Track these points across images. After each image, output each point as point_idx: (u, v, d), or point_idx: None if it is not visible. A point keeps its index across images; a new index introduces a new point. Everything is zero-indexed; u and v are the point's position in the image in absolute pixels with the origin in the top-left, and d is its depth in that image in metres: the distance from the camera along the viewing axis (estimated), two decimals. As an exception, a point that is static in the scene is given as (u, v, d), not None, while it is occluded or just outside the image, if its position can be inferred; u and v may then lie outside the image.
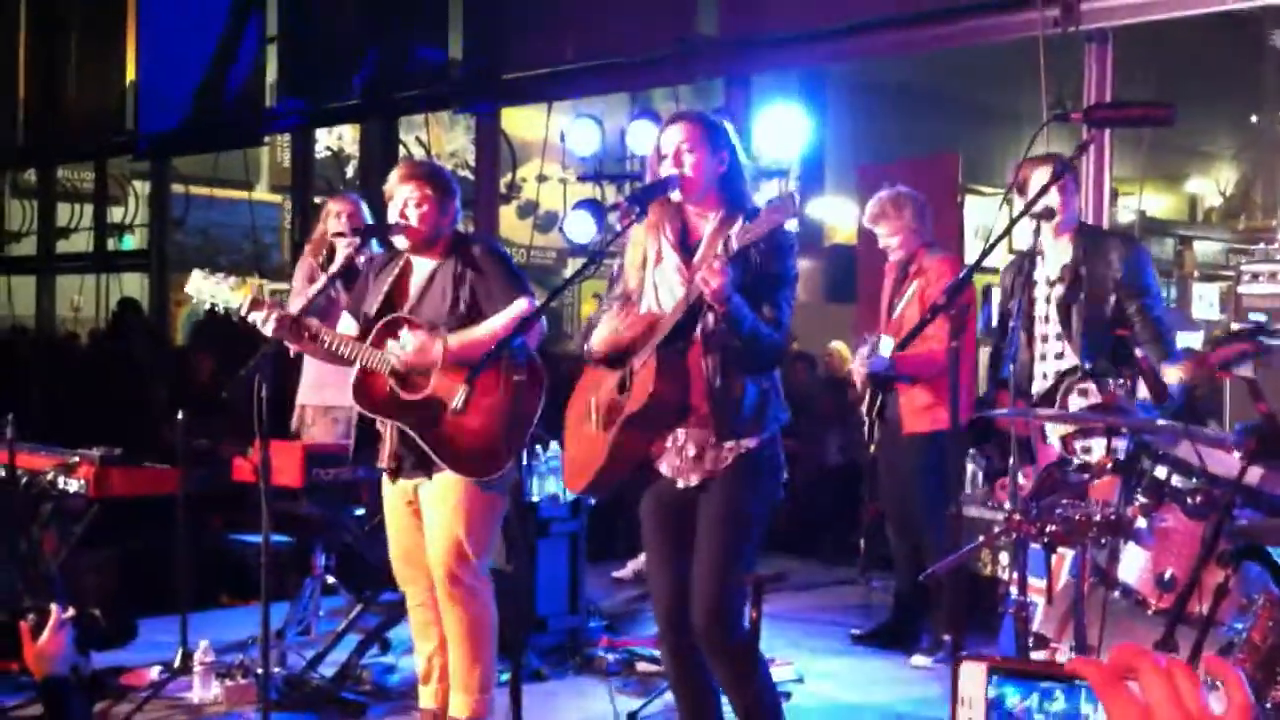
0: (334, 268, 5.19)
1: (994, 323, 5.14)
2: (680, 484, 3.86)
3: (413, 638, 4.77)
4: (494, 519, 4.54)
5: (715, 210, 3.86)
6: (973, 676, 1.18)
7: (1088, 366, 4.65)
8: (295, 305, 4.69)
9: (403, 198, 4.47)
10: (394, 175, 4.56)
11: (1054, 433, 4.65)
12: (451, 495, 4.40)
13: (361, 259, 4.95)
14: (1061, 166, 4.36)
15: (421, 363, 4.35)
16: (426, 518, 4.48)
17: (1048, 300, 4.88)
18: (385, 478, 4.59)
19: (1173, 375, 4.25)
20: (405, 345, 4.35)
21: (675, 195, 3.83)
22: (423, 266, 4.56)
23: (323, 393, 5.97)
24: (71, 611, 3.12)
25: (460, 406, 3.90)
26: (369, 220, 5.97)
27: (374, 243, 5.32)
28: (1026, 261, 4.76)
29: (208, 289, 4.52)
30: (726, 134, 3.90)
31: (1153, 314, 4.79)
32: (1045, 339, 4.89)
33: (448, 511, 4.41)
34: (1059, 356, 4.85)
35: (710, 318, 3.72)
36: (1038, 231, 4.53)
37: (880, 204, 5.93)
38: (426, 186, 4.47)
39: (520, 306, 4.36)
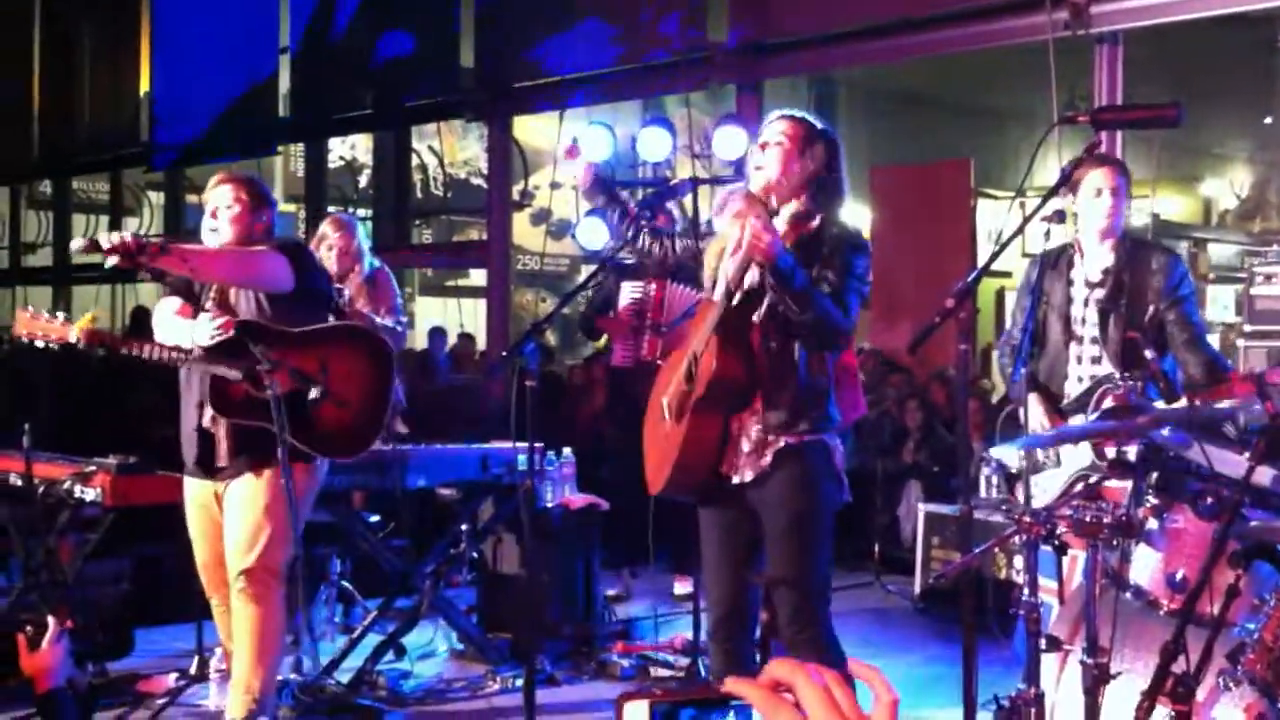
0: None
1: (1017, 316, 4.95)
2: (735, 479, 3.83)
3: (223, 640, 4.72)
4: (301, 502, 4.45)
5: (795, 205, 3.87)
6: (636, 715, 1.19)
7: (1122, 375, 4.56)
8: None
9: (214, 203, 4.47)
10: (210, 183, 4.55)
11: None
12: (252, 491, 4.39)
13: None
14: (1121, 173, 4.45)
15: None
16: (234, 516, 4.43)
17: (1086, 303, 4.75)
18: (188, 480, 4.53)
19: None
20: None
21: (756, 186, 3.84)
22: None
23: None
24: (68, 624, 3.13)
25: (318, 397, 4.04)
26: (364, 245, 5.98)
27: None
28: (1064, 259, 4.71)
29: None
30: (827, 142, 3.90)
31: (1192, 319, 4.70)
32: (1082, 340, 4.74)
33: (257, 509, 4.38)
34: (1095, 360, 4.71)
35: (768, 297, 3.70)
36: (1048, 235, 4.50)
37: None
38: (241, 191, 4.46)
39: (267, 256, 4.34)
